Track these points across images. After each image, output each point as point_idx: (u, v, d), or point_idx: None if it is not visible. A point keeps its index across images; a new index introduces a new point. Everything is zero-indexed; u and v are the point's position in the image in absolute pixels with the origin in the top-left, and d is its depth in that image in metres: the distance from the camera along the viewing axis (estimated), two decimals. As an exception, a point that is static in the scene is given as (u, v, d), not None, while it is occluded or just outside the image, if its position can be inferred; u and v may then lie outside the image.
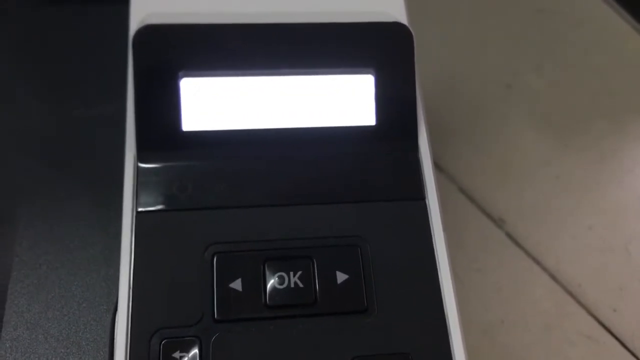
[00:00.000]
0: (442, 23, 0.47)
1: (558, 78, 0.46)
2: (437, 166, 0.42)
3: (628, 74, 0.46)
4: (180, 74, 0.20)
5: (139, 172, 0.20)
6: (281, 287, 0.19)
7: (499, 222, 0.41)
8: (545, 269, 0.40)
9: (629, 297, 0.39)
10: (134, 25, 0.21)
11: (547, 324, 0.39)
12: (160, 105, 0.20)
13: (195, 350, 0.18)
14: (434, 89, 0.45)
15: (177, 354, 0.18)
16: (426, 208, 0.21)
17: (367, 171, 0.21)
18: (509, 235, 0.41)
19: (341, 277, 0.19)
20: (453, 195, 0.41)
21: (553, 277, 0.40)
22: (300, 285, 0.19)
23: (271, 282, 0.19)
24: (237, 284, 0.19)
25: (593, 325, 0.39)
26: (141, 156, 0.20)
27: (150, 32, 0.20)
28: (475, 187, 0.41)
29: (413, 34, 0.21)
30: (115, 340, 0.18)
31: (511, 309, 0.39)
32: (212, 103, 0.21)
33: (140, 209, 0.19)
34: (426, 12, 0.47)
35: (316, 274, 0.19)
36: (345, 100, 0.21)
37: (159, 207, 0.20)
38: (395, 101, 0.21)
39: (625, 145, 0.44)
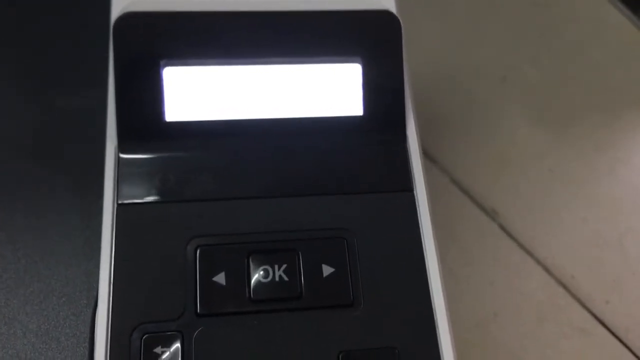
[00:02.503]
0: (438, 15, 0.47)
1: (553, 70, 0.45)
2: (430, 157, 0.41)
3: (623, 66, 0.46)
4: (162, 62, 0.20)
5: (120, 163, 0.20)
6: (266, 280, 0.19)
7: (492, 214, 0.41)
8: (538, 262, 0.40)
9: (623, 289, 0.39)
10: (115, 13, 0.20)
11: (541, 316, 0.39)
12: (142, 95, 0.20)
13: (177, 345, 0.18)
14: (429, 81, 0.44)
15: (158, 349, 0.17)
16: (414, 200, 0.20)
17: (355, 162, 0.20)
18: (502, 228, 0.41)
19: (327, 270, 0.19)
20: (446, 186, 0.41)
21: (546, 270, 0.40)
22: (285, 278, 0.19)
23: (255, 276, 0.19)
24: (220, 278, 0.19)
25: (586, 317, 0.39)
26: (122, 147, 0.20)
27: (131, 20, 0.20)
28: (468, 179, 0.41)
29: (401, 22, 0.21)
30: (95, 336, 0.18)
31: (504, 302, 0.39)
32: (196, 93, 0.20)
33: (121, 201, 0.19)
34: (422, 4, 0.46)
35: (301, 267, 0.19)
36: (332, 89, 0.21)
37: (141, 199, 0.19)
38: (383, 91, 0.21)
39: (620, 138, 0.44)
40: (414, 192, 0.20)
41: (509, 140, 0.43)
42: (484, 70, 0.45)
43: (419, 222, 0.20)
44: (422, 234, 0.20)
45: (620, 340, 0.38)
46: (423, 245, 0.20)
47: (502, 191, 0.41)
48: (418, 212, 0.20)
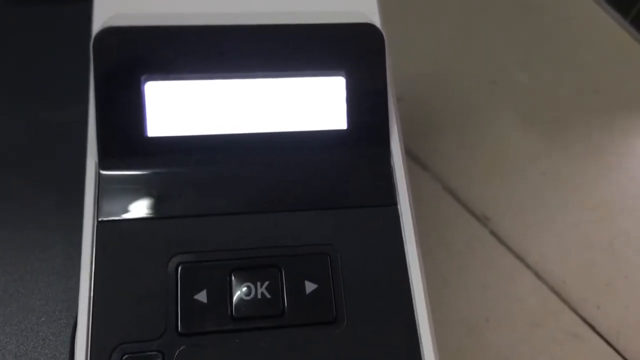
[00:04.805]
0: (428, 20, 0.46)
1: (543, 74, 0.45)
2: (422, 164, 0.41)
3: (613, 69, 0.46)
4: (143, 77, 0.20)
5: (100, 179, 0.19)
6: (248, 298, 0.18)
7: (483, 220, 0.41)
8: (530, 267, 0.40)
9: (614, 293, 0.39)
10: (96, 28, 0.20)
11: (532, 321, 0.39)
12: (123, 110, 0.20)
13: None
14: (421, 86, 0.44)
15: (138, 370, 0.17)
16: (398, 214, 0.20)
17: (338, 177, 0.20)
18: (493, 233, 0.41)
19: (310, 286, 0.19)
20: (437, 193, 0.41)
21: (538, 275, 0.40)
22: (268, 295, 0.19)
23: (238, 293, 0.19)
24: (202, 296, 0.18)
25: (577, 322, 0.39)
26: (103, 163, 0.19)
27: (111, 35, 0.20)
28: (460, 185, 0.41)
29: (384, 35, 0.21)
30: (75, 356, 0.17)
31: (496, 307, 0.39)
32: (177, 108, 0.20)
33: (101, 219, 0.19)
34: (412, 9, 0.46)
35: (284, 283, 0.19)
36: (316, 103, 0.21)
37: (122, 216, 0.19)
38: (366, 104, 0.21)
39: (611, 141, 0.44)
40: (398, 206, 0.20)
41: (500, 145, 0.43)
42: (476, 74, 0.45)
43: (403, 236, 0.20)
44: (405, 249, 0.20)
45: (611, 345, 0.38)
46: (407, 260, 0.20)
47: (493, 197, 0.41)
48: (402, 226, 0.20)
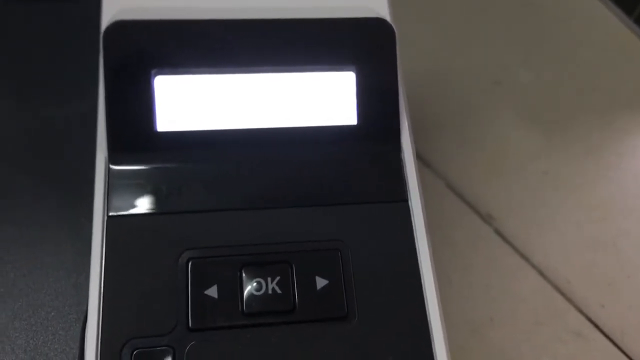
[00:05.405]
0: (430, 18, 0.46)
1: (545, 73, 0.45)
2: (425, 162, 0.41)
3: (615, 68, 0.46)
4: (153, 71, 0.20)
5: (110, 174, 0.19)
6: (258, 293, 0.18)
7: (487, 219, 0.41)
8: (533, 266, 0.40)
9: (618, 292, 0.39)
10: (105, 22, 0.20)
11: (536, 321, 0.38)
12: (133, 105, 0.19)
13: None
14: (422, 85, 0.44)
15: (149, 365, 0.17)
16: (409, 210, 0.20)
17: (348, 172, 0.20)
18: (497, 232, 0.41)
19: (321, 282, 0.19)
20: (441, 191, 0.41)
21: (542, 274, 0.40)
22: (278, 291, 0.18)
23: (248, 289, 0.18)
24: (212, 291, 0.18)
25: (582, 321, 0.39)
26: (113, 158, 0.19)
27: (121, 29, 0.20)
28: (463, 183, 0.41)
29: (395, 30, 0.21)
30: (85, 351, 0.17)
31: (500, 307, 0.39)
32: (187, 102, 0.20)
33: (111, 213, 0.19)
34: (414, 8, 0.46)
35: (295, 279, 0.19)
36: (326, 98, 0.21)
37: (131, 211, 0.19)
38: (377, 99, 0.21)
39: (612, 140, 0.44)
40: (409, 202, 0.20)
41: (502, 144, 0.43)
42: (477, 73, 0.45)
43: (414, 233, 0.20)
44: (417, 245, 0.20)
45: (616, 344, 0.38)
46: (418, 257, 0.19)
47: (496, 195, 0.41)
48: (413, 222, 0.20)
